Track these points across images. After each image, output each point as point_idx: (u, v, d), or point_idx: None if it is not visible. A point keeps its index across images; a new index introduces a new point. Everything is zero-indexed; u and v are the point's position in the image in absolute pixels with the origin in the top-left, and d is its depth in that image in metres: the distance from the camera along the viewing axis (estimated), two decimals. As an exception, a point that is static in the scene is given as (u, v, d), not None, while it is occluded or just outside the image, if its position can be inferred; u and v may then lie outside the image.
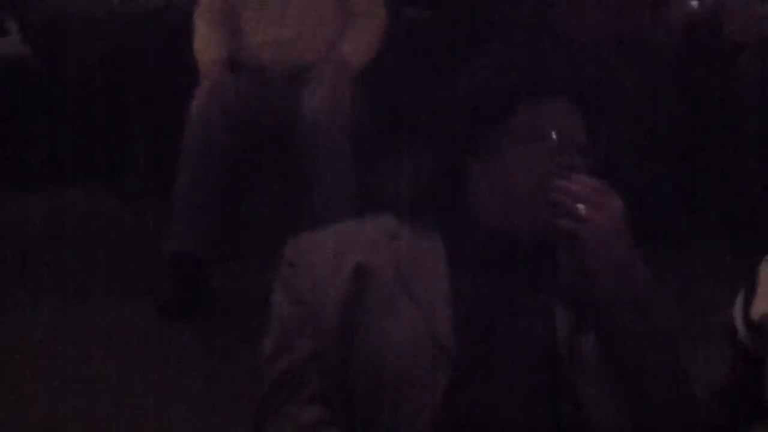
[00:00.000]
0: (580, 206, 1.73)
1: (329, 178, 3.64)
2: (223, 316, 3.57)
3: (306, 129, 3.66)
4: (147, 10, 4.45)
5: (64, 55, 4.45)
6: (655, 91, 3.87)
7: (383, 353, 1.75)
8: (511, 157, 1.82)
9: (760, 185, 3.79)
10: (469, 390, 1.75)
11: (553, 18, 4.03)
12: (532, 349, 1.78)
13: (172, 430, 2.96)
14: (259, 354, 1.84)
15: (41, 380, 3.20)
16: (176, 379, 3.24)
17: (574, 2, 4.03)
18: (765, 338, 1.81)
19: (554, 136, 1.81)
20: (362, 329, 1.77)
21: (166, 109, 4.21)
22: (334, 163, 3.65)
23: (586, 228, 1.72)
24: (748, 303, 1.85)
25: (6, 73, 4.52)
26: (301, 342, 1.80)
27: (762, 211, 3.71)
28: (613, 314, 1.74)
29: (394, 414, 1.74)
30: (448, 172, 1.87)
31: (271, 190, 4.03)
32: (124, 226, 4.16)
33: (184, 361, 3.36)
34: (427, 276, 1.80)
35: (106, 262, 3.90)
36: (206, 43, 3.95)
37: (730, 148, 3.91)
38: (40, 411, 3.04)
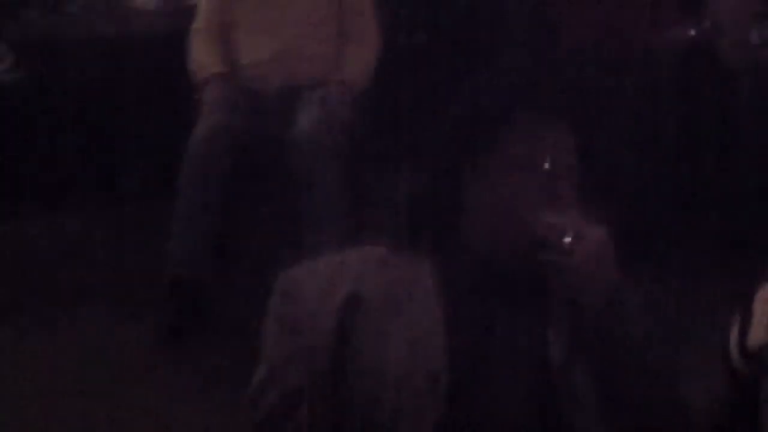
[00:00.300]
0: (565, 239, 1.75)
1: (320, 203, 3.65)
2: (218, 336, 3.56)
3: (298, 153, 3.66)
4: (140, 32, 4.46)
5: (57, 76, 4.45)
6: (651, 112, 3.87)
7: (375, 384, 1.76)
8: (502, 184, 1.83)
9: (756, 207, 3.80)
10: (462, 422, 1.76)
11: (550, 39, 4.03)
12: (526, 379, 1.80)
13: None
14: (251, 384, 1.85)
15: (38, 389, 3.23)
16: (171, 396, 3.25)
17: (571, 24, 4.04)
18: (760, 367, 1.82)
19: (546, 165, 1.82)
20: (354, 359, 1.78)
21: (159, 128, 4.22)
22: (325, 188, 3.66)
23: (571, 260, 1.75)
24: (743, 331, 1.86)
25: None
26: (292, 372, 1.80)
27: (757, 233, 3.71)
28: (603, 344, 1.76)
29: None
30: (439, 197, 1.88)
31: (267, 214, 4.03)
32: (120, 243, 4.15)
33: (180, 378, 3.35)
34: (418, 305, 1.80)
35: (102, 278, 3.89)
36: (204, 59, 3.96)
37: (725, 171, 3.92)
38: (34, 423, 3.05)
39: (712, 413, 1.92)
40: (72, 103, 4.45)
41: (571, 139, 1.86)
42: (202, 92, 3.88)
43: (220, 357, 3.34)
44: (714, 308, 2.42)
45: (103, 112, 4.42)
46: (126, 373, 3.28)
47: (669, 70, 3.94)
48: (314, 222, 3.65)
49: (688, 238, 3.91)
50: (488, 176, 1.84)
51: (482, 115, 1.86)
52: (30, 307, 3.72)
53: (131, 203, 4.41)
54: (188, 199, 3.69)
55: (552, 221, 1.77)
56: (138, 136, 4.40)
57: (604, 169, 1.99)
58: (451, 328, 1.79)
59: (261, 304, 1.89)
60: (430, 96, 3.89)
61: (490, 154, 1.84)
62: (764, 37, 3.94)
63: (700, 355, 2.26)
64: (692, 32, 4.02)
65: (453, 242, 1.86)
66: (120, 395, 3.15)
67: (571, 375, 1.78)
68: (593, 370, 1.78)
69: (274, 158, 3.80)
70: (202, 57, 3.97)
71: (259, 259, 3.72)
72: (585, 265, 1.74)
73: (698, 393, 1.90)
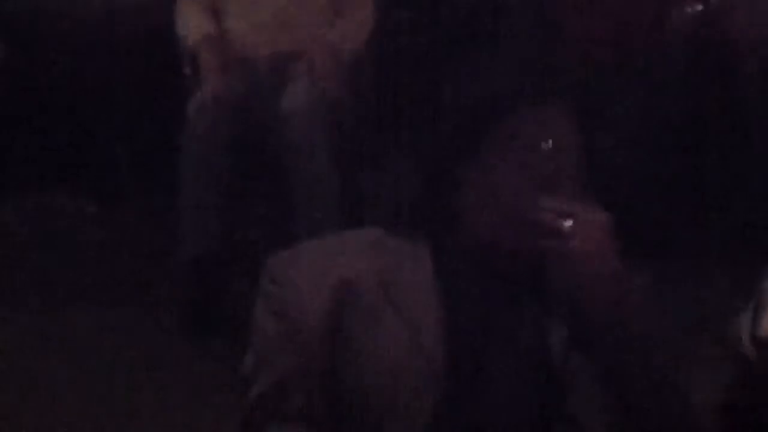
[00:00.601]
0: (565, 223, 1.71)
1: (310, 182, 3.58)
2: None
3: (288, 129, 3.59)
4: (129, 5, 4.37)
5: (43, 52, 4.38)
6: (658, 99, 3.82)
7: (368, 369, 1.73)
8: (502, 167, 1.79)
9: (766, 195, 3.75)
10: (459, 407, 1.72)
11: (552, 26, 3.98)
12: (525, 365, 1.76)
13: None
14: (241, 371, 1.81)
15: (26, 385, 3.20)
16: (167, 387, 3.24)
17: (575, 11, 3.99)
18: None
19: (548, 145, 1.78)
20: (346, 344, 1.74)
21: (148, 109, 4.15)
22: (316, 167, 3.58)
23: (570, 245, 1.70)
24: (755, 320, 1.83)
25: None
26: (283, 358, 1.76)
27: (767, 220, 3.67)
28: (604, 331, 1.72)
29: None
30: (437, 180, 1.84)
31: (262, 193, 3.96)
32: (106, 230, 4.10)
33: (176, 369, 3.31)
34: (413, 289, 1.76)
35: (90, 266, 3.84)
36: (193, 21, 3.88)
37: (736, 157, 3.87)
38: (23, 415, 3.03)
39: (720, 405, 1.89)
40: (58, 81, 4.36)
41: (574, 124, 1.81)
42: (196, 57, 3.79)
43: (215, 364, 3.28)
44: (723, 298, 2.37)
45: (90, 89, 4.33)
46: (113, 380, 3.22)
47: (676, 49, 3.87)
48: (305, 205, 3.58)
49: (695, 226, 3.84)
50: (487, 160, 1.80)
51: (483, 100, 1.82)
52: (12, 306, 3.66)
53: (119, 185, 4.33)
54: (196, 172, 3.60)
55: (551, 205, 1.73)
56: (130, 116, 4.31)
57: (608, 155, 1.94)
58: (450, 314, 1.76)
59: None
60: (429, 79, 3.82)
61: (490, 138, 1.80)
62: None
63: (708, 345, 2.22)
64: (700, 7, 3.93)
65: (451, 226, 1.82)
66: (106, 401, 3.10)
67: (573, 368, 1.74)
68: (595, 364, 1.74)
69: (266, 132, 3.72)
70: (191, 20, 3.89)
71: (259, 240, 3.66)
72: (586, 250, 1.70)
73: (706, 385, 1.85)
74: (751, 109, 3.85)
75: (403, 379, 1.71)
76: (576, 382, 1.74)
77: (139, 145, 4.27)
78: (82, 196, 4.33)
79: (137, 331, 3.52)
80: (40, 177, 4.37)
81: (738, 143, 3.92)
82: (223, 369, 3.12)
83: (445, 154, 1.83)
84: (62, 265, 3.89)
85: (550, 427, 1.74)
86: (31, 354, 3.39)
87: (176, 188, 3.67)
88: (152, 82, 4.18)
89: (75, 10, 4.42)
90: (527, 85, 1.82)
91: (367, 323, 1.75)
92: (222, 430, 2.57)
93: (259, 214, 3.98)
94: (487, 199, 1.79)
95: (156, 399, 3.14)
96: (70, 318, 3.59)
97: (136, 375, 3.28)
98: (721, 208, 3.93)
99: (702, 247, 3.80)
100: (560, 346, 1.75)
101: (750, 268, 1.96)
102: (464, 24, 4.14)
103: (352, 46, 3.87)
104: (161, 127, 3.77)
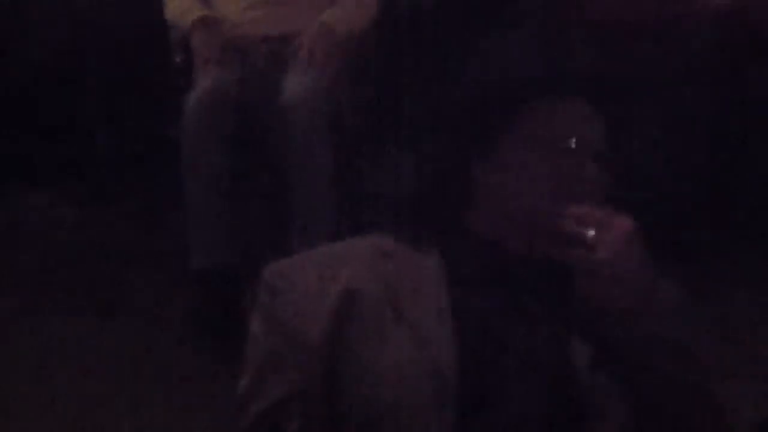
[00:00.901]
0: (588, 232, 1.61)
1: (306, 179, 3.44)
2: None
3: (283, 123, 3.45)
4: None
5: (22, 45, 4.26)
6: (685, 89, 3.70)
7: (373, 388, 1.63)
8: (518, 163, 1.70)
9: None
10: (472, 430, 1.62)
11: (573, 6, 3.86)
12: (545, 384, 1.66)
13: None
14: (237, 391, 1.72)
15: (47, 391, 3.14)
16: (143, 396, 3.14)
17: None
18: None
19: (572, 144, 1.69)
20: (350, 361, 1.64)
21: (135, 104, 4.03)
22: (313, 162, 3.44)
23: (594, 255, 1.60)
24: None
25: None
26: (281, 378, 1.68)
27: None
28: (634, 353, 1.62)
29: None
30: (447, 181, 1.75)
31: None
32: (83, 232, 4.00)
33: (148, 377, 3.21)
34: (424, 300, 1.67)
35: (65, 269, 3.74)
36: (183, 7, 3.74)
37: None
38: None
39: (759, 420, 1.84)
40: (34, 75, 4.24)
41: (596, 118, 1.73)
42: (188, 43, 3.65)
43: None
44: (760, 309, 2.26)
45: (68, 85, 4.21)
46: (87, 387, 3.13)
47: (700, 40, 3.76)
48: (303, 209, 3.44)
49: (729, 232, 3.71)
50: (501, 159, 1.72)
51: (495, 89, 1.74)
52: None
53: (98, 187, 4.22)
54: (201, 174, 3.46)
55: (573, 211, 1.63)
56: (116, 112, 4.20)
57: (634, 152, 1.83)
58: (461, 328, 1.65)
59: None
60: (436, 66, 3.70)
61: (504, 134, 1.72)
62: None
63: (744, 359, 2.11)
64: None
65: (463, 233, 1.74)
66: (70, 407, 3.00)
67: (597, 387, 1.64)
68: (623, 383, 1.63)
69: (265, 126, 3.58)
70: (181, 4, 3.74)
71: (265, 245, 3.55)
72: (611, 261, 1.59)
73: (743, 401, 1.75)
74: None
75: (411, 399, 1.61)
76: (600, 403, 1.64)
77: (123, 143, 4.15)
78: (62, 197, 4.22)
79: (113, 340, 3.41)
80: (17, 177, 4.26)
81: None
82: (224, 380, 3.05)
83: (454, 150, 1.75)
84: (40, 269, 3.79)
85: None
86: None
87: (163, 189, 3.55)
88: (139, 74, 4.05)
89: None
90: (544, 73, 1.73)
91: (372, 338, 1.64)
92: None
93: (262, 219, 3.85)
94: (500, 201, 1.71)
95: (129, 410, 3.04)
96: (41, 322, 3.49)
97: (108, 385, 3.18)
98: (758, 206, 3.79)
99: (741, 253, 3.67)
100: (584, 365, 1.65)
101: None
102: (475, 6, 4.02)
103: (353, 29, 3.72)
104: (148, 124, 3.65)
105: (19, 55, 4.26)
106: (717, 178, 3.77)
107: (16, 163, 4.20)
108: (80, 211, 4.14)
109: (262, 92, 3.56)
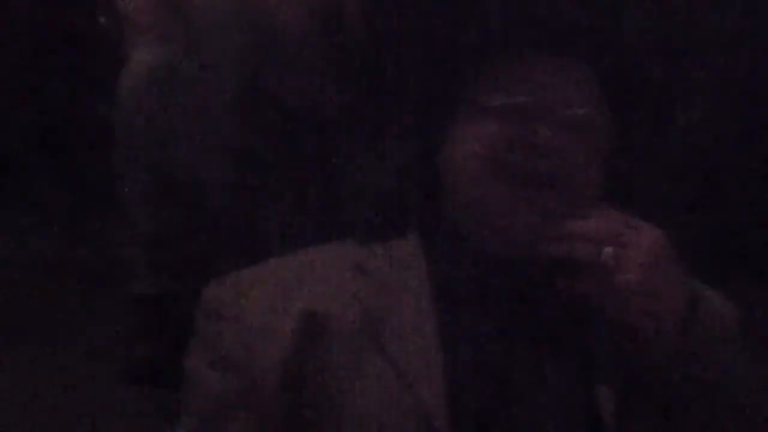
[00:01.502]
0: (606, 250, 1.33)
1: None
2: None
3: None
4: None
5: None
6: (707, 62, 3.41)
7: (347, 426, 1.39)
8: (460, 132, 1.47)
9: None
10: None
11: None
12: (558, 428, 1.41)
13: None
14: None
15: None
16: None
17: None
18: None
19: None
20: (317, 395, 1.41)
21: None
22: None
23: (613, 283, 1.32)
24: None
25: None
26: (234, 421, 1.41)
27: None
28: (672, 394, 1.36)
29: None
30: (422, 161, 1.51)
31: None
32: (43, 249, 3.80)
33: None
34: (406, 323, 1.42)
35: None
36: None
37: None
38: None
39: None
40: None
41: (595, 87, 1.47)
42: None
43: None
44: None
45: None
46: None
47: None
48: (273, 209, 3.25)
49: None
50: (453, 132, 1.48)
51: (470, 49, 1.49)
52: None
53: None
54: (135, 173, 3.26)
55: (577, 225, 1.35)
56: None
57: (645, 130, 1.58)
58: (452, 358, 1.41)
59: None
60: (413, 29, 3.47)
61: (478, 105, 1.46)
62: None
63: None
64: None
65: (446, 235, 1.48)
66: None
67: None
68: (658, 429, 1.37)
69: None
70: None
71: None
72: (636, 288, 1.33)
73: None
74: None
75: None
76: None
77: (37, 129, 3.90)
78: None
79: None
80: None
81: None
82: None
83: (430, 119, 1.51)
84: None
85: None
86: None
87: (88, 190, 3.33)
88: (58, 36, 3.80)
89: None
90: (529, 26, 1.47)
91: (344, 372, 1.41)
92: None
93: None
94: (459, 186, 1.47)
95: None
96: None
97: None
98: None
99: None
100: (613, 418, 1.38)
101: None
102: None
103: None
104: (72, 104, 3.40)
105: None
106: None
107: None
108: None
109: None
